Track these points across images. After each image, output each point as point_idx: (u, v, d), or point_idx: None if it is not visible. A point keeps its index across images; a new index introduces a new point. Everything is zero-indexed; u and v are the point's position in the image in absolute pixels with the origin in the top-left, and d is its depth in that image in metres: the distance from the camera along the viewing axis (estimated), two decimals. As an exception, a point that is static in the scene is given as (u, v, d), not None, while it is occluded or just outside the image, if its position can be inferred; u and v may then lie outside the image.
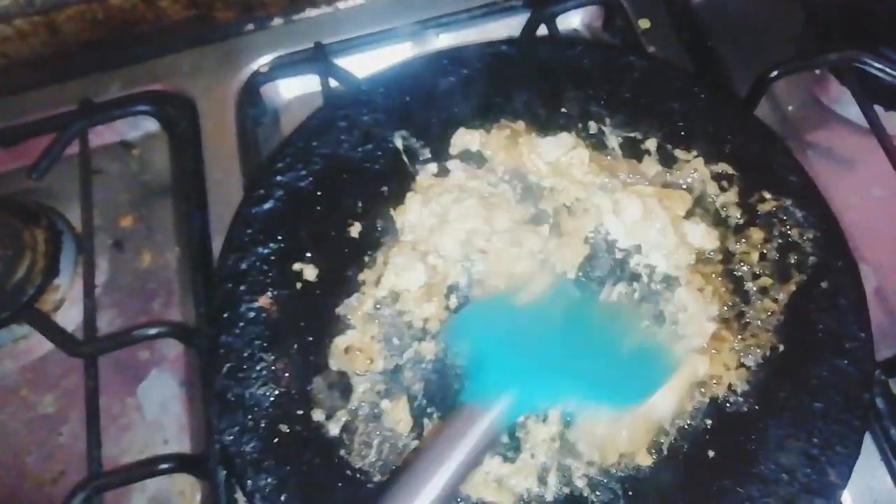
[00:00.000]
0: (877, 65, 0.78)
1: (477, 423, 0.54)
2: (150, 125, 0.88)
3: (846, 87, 0.81)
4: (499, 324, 0.62)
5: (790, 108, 0.87)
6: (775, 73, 0.79)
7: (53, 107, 0.86)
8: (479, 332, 0.63)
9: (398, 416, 0.62)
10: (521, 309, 0.63)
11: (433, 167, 0.72)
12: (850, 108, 0.81)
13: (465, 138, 0.73)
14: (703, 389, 0.62)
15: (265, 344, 0.66)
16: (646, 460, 0.60)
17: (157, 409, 0.74)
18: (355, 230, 0.70)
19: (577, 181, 0.69)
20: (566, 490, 0.59)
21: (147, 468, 0.65)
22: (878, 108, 0.79)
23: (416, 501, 0.51)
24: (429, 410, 0.63)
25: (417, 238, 0.68)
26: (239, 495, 0.66)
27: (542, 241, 0.67)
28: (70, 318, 0.77)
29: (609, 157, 0.72)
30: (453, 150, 0.73)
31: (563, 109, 0.74)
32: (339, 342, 0.65)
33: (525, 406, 0.58)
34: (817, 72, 0.86)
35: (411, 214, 0.69)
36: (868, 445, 0.64)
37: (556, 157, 0.70)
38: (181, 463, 0.66)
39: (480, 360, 0.60)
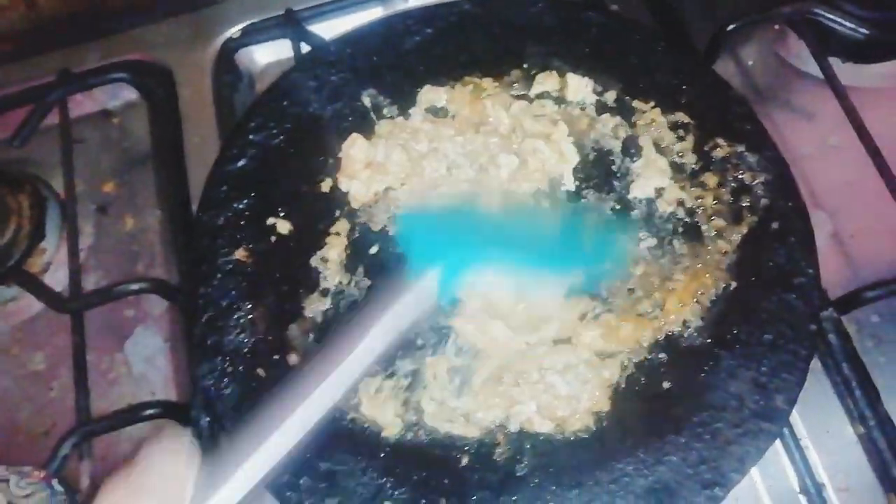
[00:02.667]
0: (829, 16, 0.81)
1: (406, 290, 0.57)
2: (129, 94, 0.91)
3: (802, 39, 0.83)
4: (442, 218, 0.68)
5: (750, 63, 0.89)
6: (732, 26, 0.81)
7: (33, 79, 0.89)
8: (420, 221, 0.68)
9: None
10: (471, 211, 0.68)
11: (399, 120, 0.75)
12: (809, 62, 0.83)
13: (430, 95, 0.75)
14: (657, 326, 0.65)
15: (242, 294, 0.68)
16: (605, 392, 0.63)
17: (143, 364, 0.77)
18: (326, 185, 0.73)
19: (539, 133, 0.72)
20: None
21: (133, 414, 0.68)
22: (835, 61, 0.82)
23: (342, 366, 0.52)
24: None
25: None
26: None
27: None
28: (56, 279, 0.80)
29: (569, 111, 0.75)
30: (419, 106, 0.75)
31: (524, 65, 0.76)
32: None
33: (455, 274, 0.61)
34: (776, 27, 0.89)
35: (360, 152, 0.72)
36: (822, 381, 0.68)
37: (521, 109, 0.73)
38: (166, 409, 0.69)
39: (416, 239, 0.64)
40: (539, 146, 0.70)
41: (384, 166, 0.72)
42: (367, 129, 0.75)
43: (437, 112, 0.75)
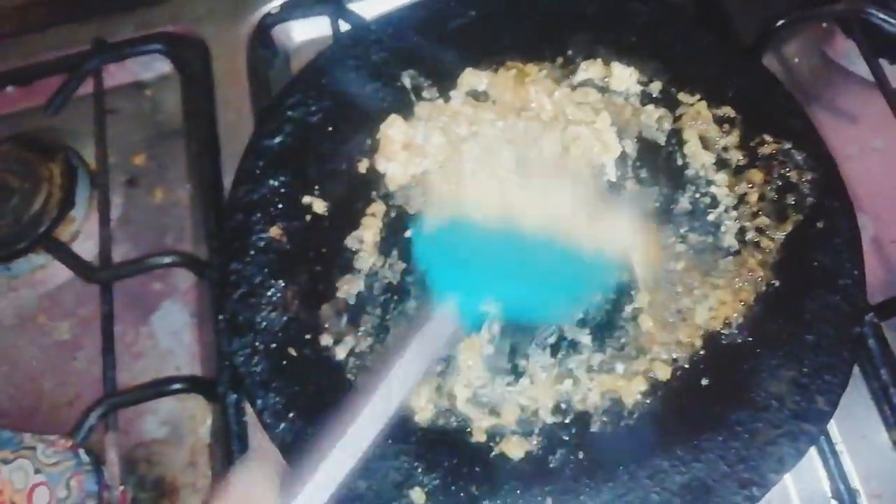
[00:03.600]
0: (882, 16, 0.79)
1: (422, 334, 0.56)
2: (163, 67, 0.90)
3: (852, 39, 0.81)
4: (453, 240, 0.64)
5: (796, 60, 0.88)
6: (781, 22, 0.80)
7: (68, 47, 0.88)
8: (433, 248, 0.65)
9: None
10: (482, 226, 0.64)
11: (439, 103, 0.74)
12: (857, 63, 0.82)
13: (471, 78, 0.74)
14: (699, 323, 0.64)
15: (275, 272, 0.68)
16: (642, 387, 0.62)
17: (169, 339, 0.76)
18: (363, 166, 0.72)
19: (582, 121, 0.71)
20: (568, 411, 0.62)
21: (160, 388, 0.68)
22: (884, 62, 0.80)
23: (363, 414, 0.53)
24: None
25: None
26: (247, 418, 0.69)
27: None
28: (86, 249, 0.79)
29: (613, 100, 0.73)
30: (460, 89, 0.74)
31: (568, 52, 0.75)
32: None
33: (469, 314, 0.59)
34: (825, 26, 0.87)
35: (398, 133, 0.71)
36: (860, 386, 0.67)
37: (564, 95, 0.72)
38: (193, 384, 0.68)
39: (432, 274, 0.62)
40: (582, 133, 0.69)
41: (423, 148, 0.71)
42: (406, 110, 0.74)
43: (477, 96, 0.74)
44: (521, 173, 0.68)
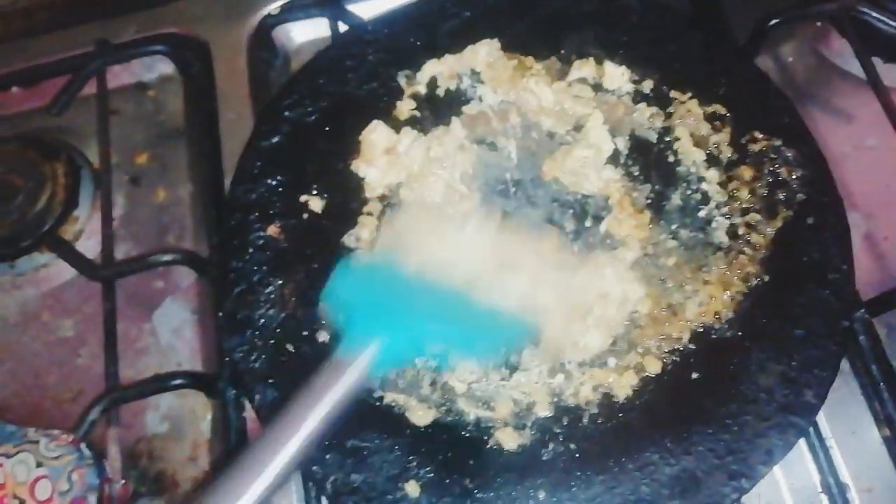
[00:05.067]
0: (875, 14, 0.79)
1: (340, 375, 0.54)
2: (166, 68, 0.91)
3: (845, 38, 0.82)
4: (376, 280, 0.61)
5: (790, 59, 0.88)
6: (774, 21, 0.80)
7: (72, 48, 0.89)
8: (353, 288, 0.61)
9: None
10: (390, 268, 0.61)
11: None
12: (851, 61, 0.82)
13: (472, 56, 0.76)
14: (690, 318, 0.65)
15: (273, 270, 0.69)
16: (633, 381, 0.63)
17: (170, 335, 0.78)
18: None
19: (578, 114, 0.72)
20: (560, 405, 0.63)
21: (161, 383, 0.69)
22: (877, 61, 0.81)
23: (280, 455, 0.51)
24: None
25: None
26: (246, 414, 0.70)
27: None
28: (88, 247, 0.80)
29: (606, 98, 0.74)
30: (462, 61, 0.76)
31: (561, 51, 0.76)
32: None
33: (392, 355, 0.57)
34: (818, 24, 0.88)
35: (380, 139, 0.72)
36: (850, 382, 0.67)
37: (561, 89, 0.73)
38: (193, 380, 0.70)
39: (350, 312, 0.59)
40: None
41: (403, 158, 0.71)
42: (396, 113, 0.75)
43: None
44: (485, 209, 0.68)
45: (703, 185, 0.70)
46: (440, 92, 0.76)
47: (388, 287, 0.60)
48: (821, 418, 0.66)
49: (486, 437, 0.61)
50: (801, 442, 0.63)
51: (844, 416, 0.67)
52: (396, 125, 0.74)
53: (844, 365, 0.66)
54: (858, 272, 0.66)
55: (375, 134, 0.73)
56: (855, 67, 0.81)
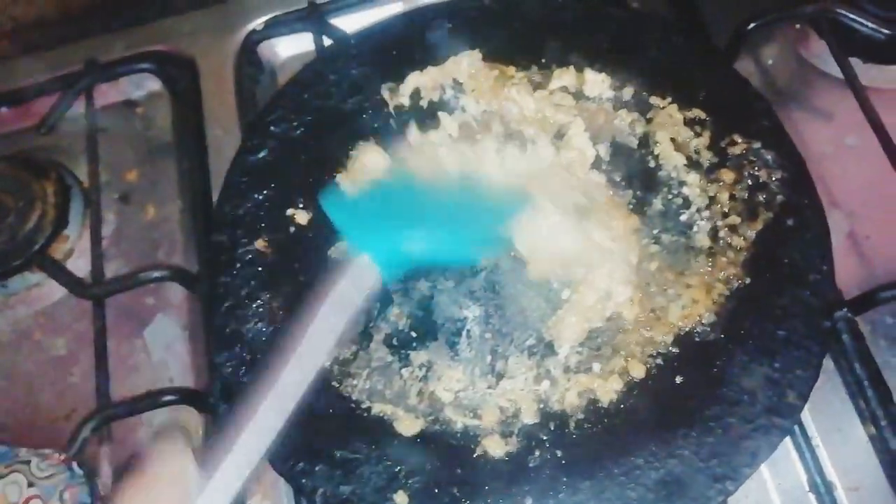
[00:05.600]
0: (851, 16, 0.80)
1: (336, 290, 0.55)
2: (153, 85, 0.92)
3: (824, 39, 0.83)
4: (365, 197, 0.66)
5: (770, 62, 0.89)
6: (753, 24, 0.81)
7: (60, 67, 0.90)
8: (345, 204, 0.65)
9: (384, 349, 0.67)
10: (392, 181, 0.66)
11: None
12: (829, 63, 0.83)
13: (453, 67, 0.76)
14: (673, 322, 0.65)
15: (261, 284, 0.70)
16: (618, 386, 0.63)
17: (162, 351, 0.78)
18: (342, 177, 0.74)
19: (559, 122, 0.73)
20: (546, 411, 0.63)
21: (152, 400, 0.69)
22: (856, 61, 0.82)
23: (282, 381, 0.51)
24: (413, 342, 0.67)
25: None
26: (239, 427, 0.70)
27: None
28: (79, 267, 0.81)
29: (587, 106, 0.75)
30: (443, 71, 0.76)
31: (542, 60, 0.77)
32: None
33: (386, 262, 0.58)
34: (798, 27, 0.88)
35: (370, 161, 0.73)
36: (835, 380, 0.68)
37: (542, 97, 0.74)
38: (184, 396, 0.70)
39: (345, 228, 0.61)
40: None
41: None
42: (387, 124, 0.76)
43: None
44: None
45: (685, 190, 0.70)
46: (423, 103, 0.77)
47: (381, 203, 0.62)
48: (806, 417, 0.66)
49: (473, 446, 0.62)
50: (787, 441, 0.63)
51: (830, 414, 0.68)
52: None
53: (829, 364, 0.67)
54: (841, 271, 0.67)
55: (368, 156, 0.73)
56: (833, 68, 0.82)
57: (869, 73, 0.82)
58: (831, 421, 0.68)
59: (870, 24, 0.80)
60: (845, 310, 0.67)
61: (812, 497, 0.64)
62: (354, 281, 0.56)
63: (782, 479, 0.66)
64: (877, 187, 0.76)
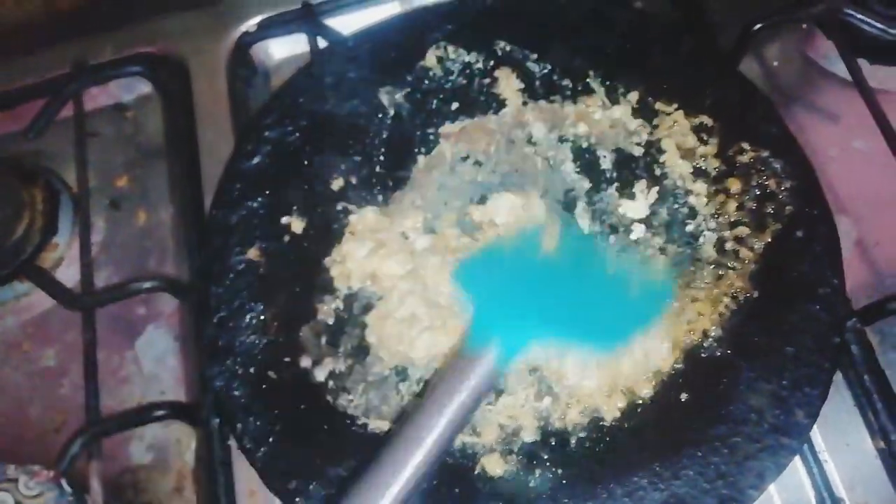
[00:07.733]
0: (860, 16, 0.79)
1: (468, 374, 0.57)
2: (144, 88, 0.90)
3: (831, 40, 0.81)
4: (494, 271, 0.65)
5: (776, 63, 0.87)
6: (759, 25, 0.79)
7: (48, 70, 0.88)
8: (476, 280, 0.65)
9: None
10: (516, 254, 0.65)
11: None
12: (837, 63, 0.81)
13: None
14: (678, 337, 0.63)
15: (254, 295, 0.68)
16: (622, 402, 0.62)
17: (153, 363, 0.76)
18: (338, 184, 0.72)
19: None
20: (547, 429, 0.62)
21: (143, 414, 0.68)
22: (863, 62, 0.80)
23: (416, 456, 0.54)
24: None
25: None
26: (232, 442, 0.69)
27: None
28: (68, 276, 0.79)
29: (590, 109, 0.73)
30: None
31: (547, 64, 0.75)
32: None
33: (513, 352, 0.60)
34: (804, 27, 0.87)
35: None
36: (843, 393, 0.66)
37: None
38: (176, 410, 0.68)
39: (474, 309, 0.63)
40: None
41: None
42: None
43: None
44: None
45: (691, 199, 0.69)
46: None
47: (511, 275, 0.64)
48: (814, 431, 0.64)
49: (471, 464, 0.60)
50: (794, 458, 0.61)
51: (838, 427, 0.66)
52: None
53: (837, 375, 0.65)
54: (850, 280, 0.65)
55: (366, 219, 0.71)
56: (841, 69, 0.80)
57: (877, 75, 0.80)
58: (839, 434, 0.66)
59: (878, 25, 0.78)
60: (854, 320, 0.66)
61: (820, 512, 0.63)
62: (483, 381, 0.57)
63: (789, 495, 0.64)
64: (886, 192, 0.75)
